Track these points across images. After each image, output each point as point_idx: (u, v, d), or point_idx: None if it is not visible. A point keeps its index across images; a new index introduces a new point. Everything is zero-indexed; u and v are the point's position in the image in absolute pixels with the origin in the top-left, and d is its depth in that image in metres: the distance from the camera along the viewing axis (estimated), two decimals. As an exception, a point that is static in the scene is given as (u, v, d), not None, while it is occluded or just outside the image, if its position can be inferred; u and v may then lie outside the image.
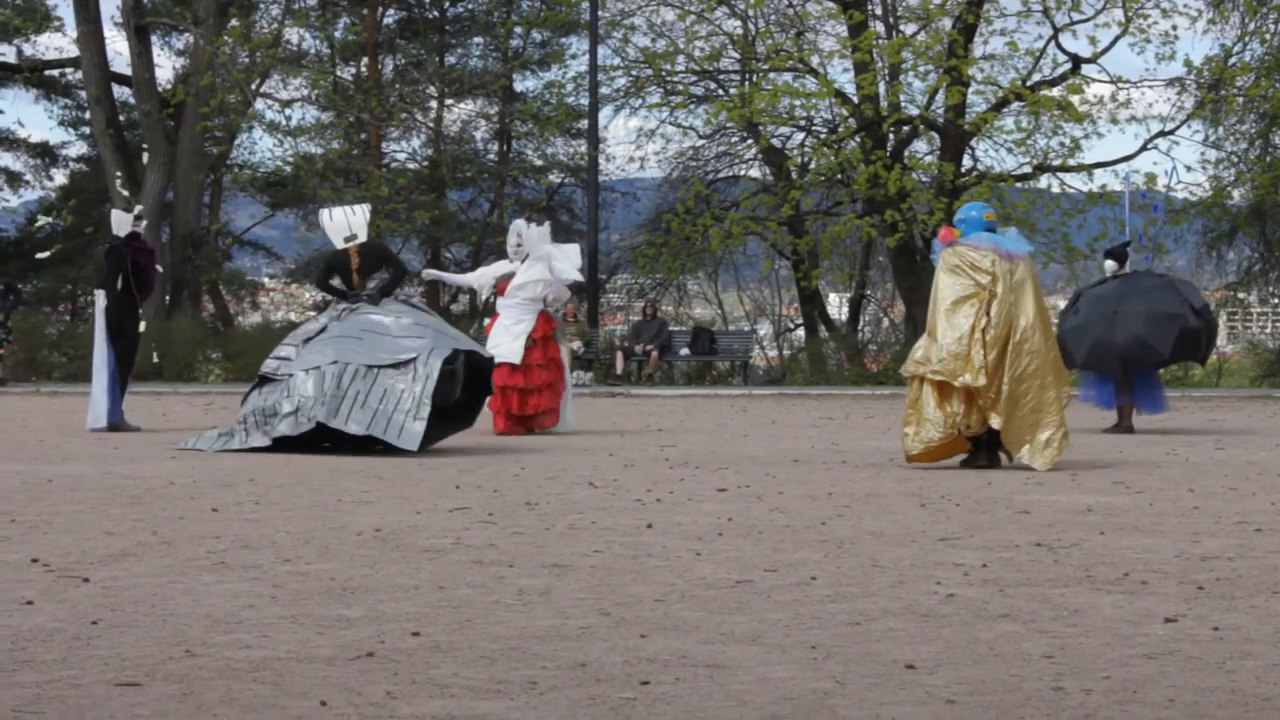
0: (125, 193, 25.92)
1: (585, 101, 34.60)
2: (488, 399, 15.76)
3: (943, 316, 12.70)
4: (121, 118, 36.57)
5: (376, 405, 13.97)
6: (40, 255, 31.13)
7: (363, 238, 15.38)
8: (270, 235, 43.48)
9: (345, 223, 15.42)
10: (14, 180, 41.65)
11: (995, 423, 12.55)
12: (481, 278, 17.32)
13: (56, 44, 57.96)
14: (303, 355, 14.51)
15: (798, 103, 33.66)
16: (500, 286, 16.78)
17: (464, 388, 14.56)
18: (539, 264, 16.63)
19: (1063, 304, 20.95)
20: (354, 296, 15.05)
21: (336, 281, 15.37)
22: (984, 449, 12.93)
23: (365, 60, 38.20)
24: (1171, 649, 5.66)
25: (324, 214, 16.08)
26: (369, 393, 14.04)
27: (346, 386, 14.08)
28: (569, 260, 17.06)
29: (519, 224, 17.11)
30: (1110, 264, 18.17)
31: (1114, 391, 17.59)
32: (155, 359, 27.92)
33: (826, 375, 32.82)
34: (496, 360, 16.21)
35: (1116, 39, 32.88)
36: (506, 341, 16.67)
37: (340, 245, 15.38)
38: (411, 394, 14.00)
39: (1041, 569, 7.50)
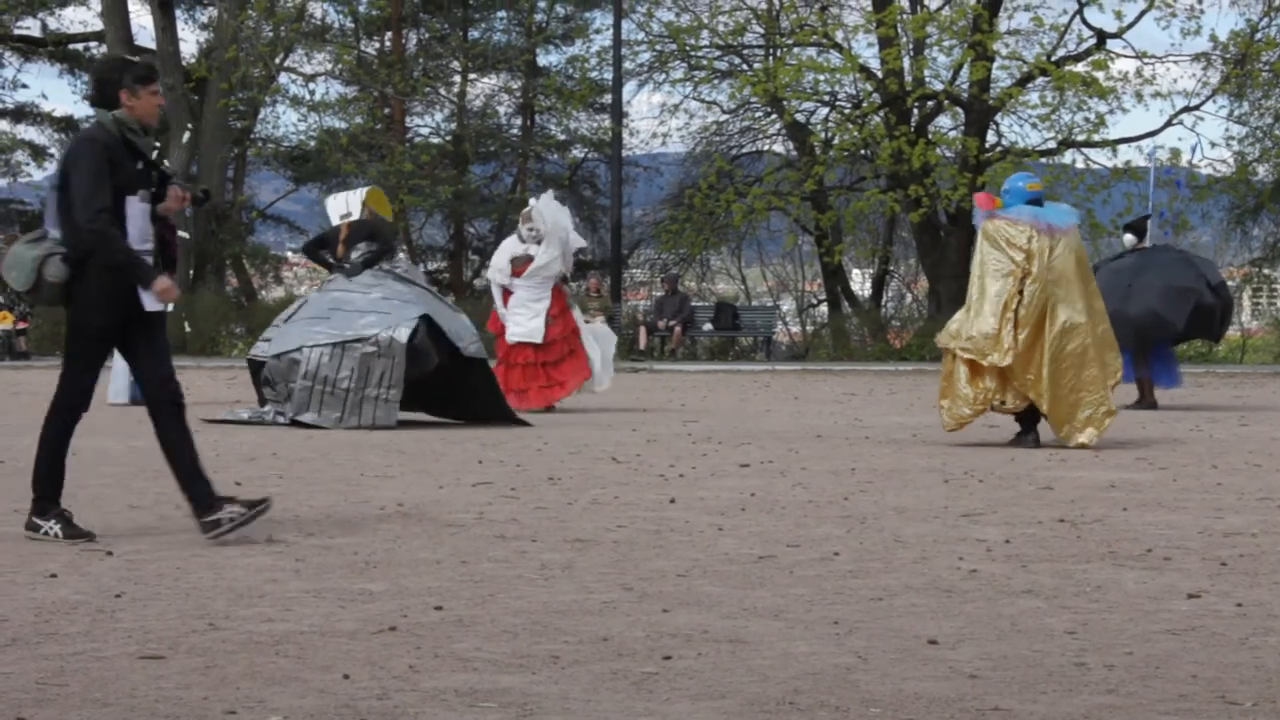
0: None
1: (609, 76, 34.52)
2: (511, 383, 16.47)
3: (978, 291, 12.54)
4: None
5: (348, 387, 14.18)
6: None
7: (356, 215, 15.60)
8: (294, 210, 43.49)
9: (344, 201, 15.87)
10: (38, 154, 41.66)
11: (1042, 405, 12.30)
12: (500, 273, 17.18)
13: (81, 18, 57.91)
14: (279, 338, 14.71)
15: (822, 78, 33.58)
16: (518, 270, 16.85)
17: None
18: (556, 241, 16.74)
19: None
20: (336, 267, 15.32)
21: (326, 254, 15.64)
22: (1032, 427, 12.70)
23: (389, 35, 38.15)
24: (1194, 625, 5.65)
25: (329, 200, 16.43)
26: (338, 374, 14.24)
27: (315, 374, 14.28)
28: (573, 233, 17.40)
29: (537, 208, 17.06)
30: (1129, 237, 18.14)
31: (1130, 362, 17.51)
32: (186, 328, 27.99)
33: (849, 351, 32.78)
34: (519, 340, 16.55)
35: (1142, 14, 32.75)
36: (525, 320, 16.70)
37: (336, 222, 15.65)
38: (382, 370, 14.21)
39: (1064, 545, 7.50)
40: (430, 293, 15.21)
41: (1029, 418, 12.71)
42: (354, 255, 15.29)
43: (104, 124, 7.44)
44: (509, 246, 17.19)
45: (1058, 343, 12.32)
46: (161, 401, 7.49)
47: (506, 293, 16.99)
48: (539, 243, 16.74)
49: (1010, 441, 12.80)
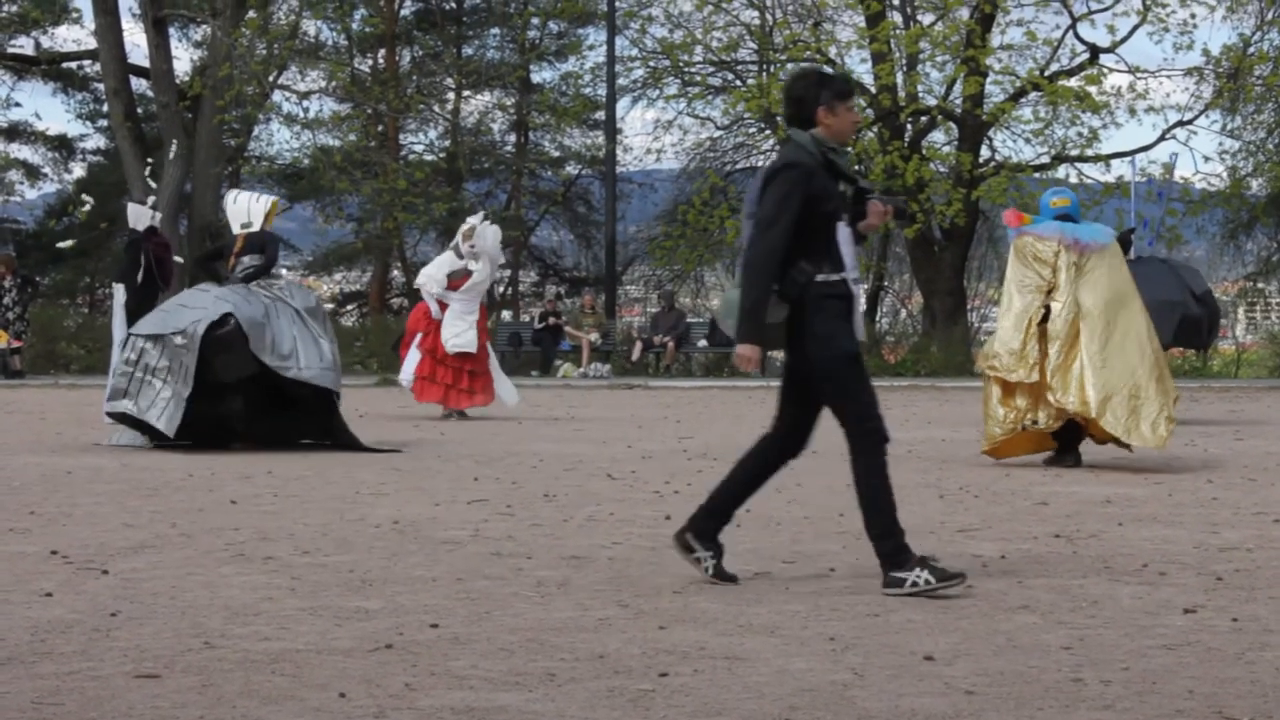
0: (154, 185, 25.80)
1: (603, 93, 34.59)
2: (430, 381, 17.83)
3: (1006, 310, 12.40)
4: (139, 110, 36.61)
5: (165, 378, 13.37)
6: (61, 245, 31.14)
7: (256, 227, 15.06)
8: (288, 227, 43.50)
9: (245, 209, 15.01)
10: (32, 173, 41.67)
11: (1090, 412, 11.83)
12: (436, 284, 18.34)
13: (74, 36, 57.87)
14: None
15: (815, 93, 33.60)
16: (454, 284, 18.11)
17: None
18: (487, 262, 18.23)
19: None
20: (223, 280, 14.59)
21: (219, 265, 15.24)
22: (1069, 448, 12.43)
23: (382, 52, 38.24)
24: (1190, 640, 5.65)
25: (229, 196, 15.68)
26: (158, 363, 13.44)
27: (137, 361, 13.55)
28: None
29: (479, 227, 18.46)
30: (1115, 250, 18.13)
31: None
32: None
33: (844, 366, 32.72)
34: (460, 350, 17.60)
35: (1135, 28, 32.86)
36: (463, 330, 17.86)
37: (237, 231, 15.09)
38: (188, 365, 13.30)
39: (1060, 560, 7.49)
40: (299, 314, 14.11)
41: (1068, 438, 12.42)
42: (238, 270, 14.74)
43: (804, 145, 6.80)
44: (446, 261, 18.60)
45: (1097, 350, 11.92)
46: (865, 439, 6.83)
47: (442, 304, 18.15)
48: (477, 259, 18.13)
49: (1047, 460, 12.50)
